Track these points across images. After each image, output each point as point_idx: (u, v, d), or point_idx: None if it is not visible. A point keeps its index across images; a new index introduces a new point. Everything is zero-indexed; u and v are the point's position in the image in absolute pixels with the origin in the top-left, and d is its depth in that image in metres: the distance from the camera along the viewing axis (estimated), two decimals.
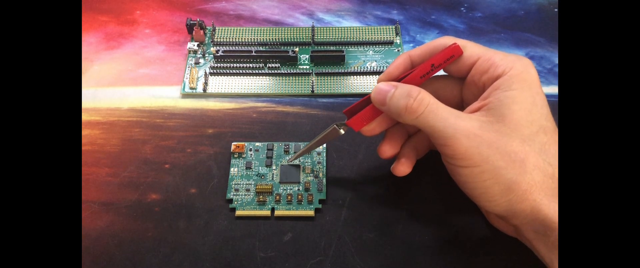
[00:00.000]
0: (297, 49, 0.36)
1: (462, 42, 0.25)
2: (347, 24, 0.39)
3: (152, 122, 0.33)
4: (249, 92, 0.34)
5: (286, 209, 0.29)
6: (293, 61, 0.36)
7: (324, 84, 0.35)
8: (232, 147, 0.31)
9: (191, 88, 0.34)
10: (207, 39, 0.37)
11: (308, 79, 0.35)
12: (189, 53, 0.36)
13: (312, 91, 0.34)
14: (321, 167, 0.30)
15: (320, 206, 0.29)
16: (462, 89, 0.27)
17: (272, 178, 0.30)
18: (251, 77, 0.35)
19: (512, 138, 0.23)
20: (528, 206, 0.22)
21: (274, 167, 0.30)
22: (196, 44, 0.36)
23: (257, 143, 0.31)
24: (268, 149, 0.31)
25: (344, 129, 0.27)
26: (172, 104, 0.34)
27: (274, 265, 0.27)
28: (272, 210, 0.29)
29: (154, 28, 0.38)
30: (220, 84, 0.35)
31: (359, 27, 0.38)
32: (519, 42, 0.38)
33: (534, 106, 0.23)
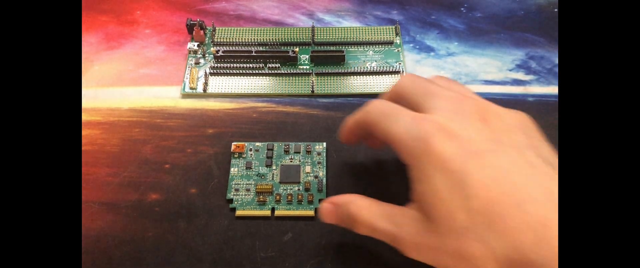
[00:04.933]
0: (297, 49, 0.36)
1: (372, 121, 0.24)
2: (347, 24, 0.39)
3: (152, 122, 0.33)
4: (249, 92, 0.34)
5: (286, 209, 0.29)
6: (293, 61, 0.36)
7: (324, 84, 0.35)
8: (232, 147, 0.31)
9: (191, 88, 0.34)
10: (207, 39, 0.37)
11: (308, 79, 0.35)
12: (189, 53, 0.36)
13: (312, 91, 0.34)
14: (321, 167, 0.30)
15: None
16: None
17: (272, 178, 0.30)
18: (251, 77, 0.35)
19: (447, 236, 0.20)
20: None
21: (274, 167, 0.30)
22: (196, 44, 0.36)
23: (257, 144, 0.31)
24: (268, 149, 0.31)
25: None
26: (172, 104, 0.34)
27: (274, 265, 0.27)
28: (272, 210, 0.29)
29: (154, 28, 0.38)
30: (221, 84, 0.35)
31: (359, 27, 0.38)
32: (518, 42, 0.38)
33: (450, 194, 0.20)
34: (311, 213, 0.28)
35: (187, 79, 0.35)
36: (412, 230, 0.22)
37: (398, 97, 0.25)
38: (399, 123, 0.22)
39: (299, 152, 0.31)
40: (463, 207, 0.20)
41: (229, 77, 0.35)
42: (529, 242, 0.19)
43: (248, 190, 0.29)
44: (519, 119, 0.23)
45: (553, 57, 0.37)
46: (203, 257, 0.27)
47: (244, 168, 0.30)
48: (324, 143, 0.31)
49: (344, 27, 0.38)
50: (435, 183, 0.21)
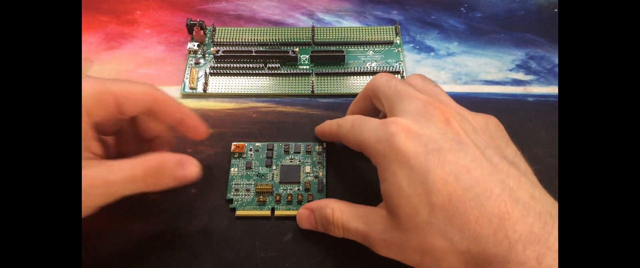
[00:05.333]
0: (297, 49, 0.36)
1: (345, 132, 0.26)
2: (347, 24, 0.39)
3: None
4: (249, 92, 0.34)
5: (286, 209, 0.29)
6: (293, 61, 0.36)
7: (324, 84, 0.35)
8: (232, 147, 0.31)
9: (191, 88, 0.34)
10: (207, 39, 0.37)
11: (308, 79, 0.35)
12: (189, 53, 0.36)
13: (312, 91, 0.34)
14: (321, 167, 0.30)
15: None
16: None
17: (272, 179, 0.30)
18: (251, 77, 0.35)
19: (411, 232, 0.21)
20: None
21: (274, 167, 0.30)
22: (196, 44, 0.36)
23: (257, 144, 0.31)
24: (268, 149, 0.31)
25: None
26: None
27: (274, 265, 0.27)
28: (272, 210, 0.29)
29: (154, 28, 0.38)
30: (221, 84, 0.35)
31: (359, 27, 0.38)
32: (518, 42, 0.38)
33: (412, 189, 0.21)
34: None
35: (187, 79, 0.35)
36: (380, 227, 0.23)
37: (372, 95, 0.27)
38: (367, 129, 0.24)
39: (299, 152, 0.31)
40: (425, 203, 0.21)
41: (229, 77, 0.35)
42: (487, 234, 0.20)
43: (248, 190, 0.29)
44: (484, 122, 0.24)
45: (553, 57, 0.37)
46: (203, 257, 0.27)
47: (244, 168, 0.30)
48: (324, 144, 0.31)
49: (344, 27, 0.38)
50: (398, 181, 0.21)
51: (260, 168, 0.30)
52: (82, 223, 0.28)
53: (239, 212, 0.28)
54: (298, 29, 0.38)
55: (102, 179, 0.22)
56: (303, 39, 0.37)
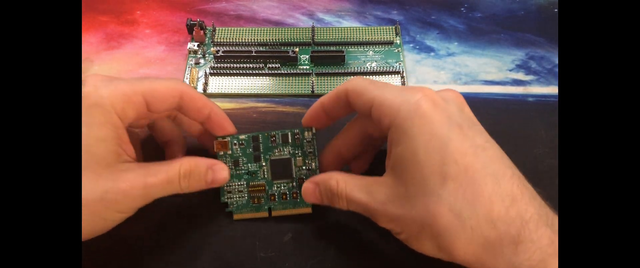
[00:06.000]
0: (297, 49, 0.36)
1: (359, 88, 0.24)
2: (347, 24, 0.39)
3: None
4: (249, 92, 0.34)
5: (283, 208, 0.28)
6: (293, 61, 0.36)
7: (324, 84, 0.35)
8: (215, 146, 0.28)
9: None
10: (207, 39, 0.37)
11: (308, 79, 0.35)
12: (189, 53, 0.36)
13: (312, 91, 0.34)
14: (313, 157, 0.28)
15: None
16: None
17: (264, 176, 0.29)
18: (251, 77, 0.35)
19: (417, 200, 0.21)
20: (461, 261, 0.21)
21: (263, 163, 0.29)
22: (196, 44, 0.36)
23: (241, 136, 0.29)
24: (254, 141, 0.29)
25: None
26: None
27: (274, 265, 0.27)
28: (269, 210, 0.29)
29: (155, 28, 0.38)
30: (221, 84, 0.35)
31: (359, 27, 0.38)
32: (519, 42, 0.38)
33: (428, 155, 0.21)
34: (309, 210, 0.28)
35: (187, 79, 0.35)
36: (383, 197, 0.22)
37: (352, 94, 0.25)
38: (391, 89, 0.23)
39: (288, 142, 0.28)
40: (437, 173, 0.21)
41: (229, 77, 0.35)
42: (499, 211, 0.20)
43: (241, 191, 0.28)
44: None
45: (553, 57, 0.37)
46: (203, 257, 0.27)
47: (232, 166, 0.28)
48: (313, 129, 0.28)
49: (344, 27, 0.38)
50: (415, 146, 0.21)
51: (249, 165, 0.28)
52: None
53: (236, 216, 0.28)
54: (298, 29, 0.38)
55: (142, 182, 0.23)
56: (303, 39, 0.37)
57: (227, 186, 0.29)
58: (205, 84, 0.35)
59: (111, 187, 0.22)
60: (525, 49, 0.37)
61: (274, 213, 0.28)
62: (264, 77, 0.35)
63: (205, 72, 0.35)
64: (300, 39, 0.37)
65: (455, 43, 0.38)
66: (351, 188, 0.24)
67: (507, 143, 0.23)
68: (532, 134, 0.33)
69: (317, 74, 0.35)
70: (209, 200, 0.29)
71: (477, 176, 0.20)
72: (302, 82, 0.35)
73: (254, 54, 0.35)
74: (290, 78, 0.35)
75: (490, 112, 0.27)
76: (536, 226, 0.20)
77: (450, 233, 0.20)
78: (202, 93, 0.26)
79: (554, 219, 0.20)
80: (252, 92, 0.34)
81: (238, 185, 0.29)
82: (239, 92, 0.34)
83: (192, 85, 0.34)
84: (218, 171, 0.26)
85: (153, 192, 0.24)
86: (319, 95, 0.34)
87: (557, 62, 0.36)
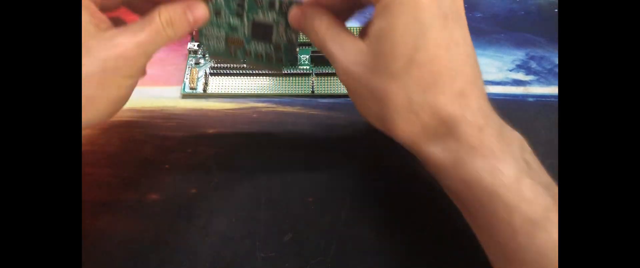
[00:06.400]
0: (297, 50, 0.36)
1: None
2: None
3: (152, 122, 0.33)
4: (249, 92, 0.34)
5: (256, 63, 0.29)
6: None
7: (324, 84, 0.35)
8: None
9: (191, 88, 0.34)
10: None
11: (308, 79, 0.35)
12: (189, 53, 0.36)
13: (312, 91, 0.35)
14: (296, 31, 0.28)
15: (290, 67, 0.29)
16: None
17: (244, 33, 0.28)
18: (251, 77, 0.35)
19: (378, 74, 0.22)
20: (399, 139, 0.23)
21: (245, 20, 0.28)
22: (196, 44, 0.36)
23: None
24: None
25: None
26: (172, 104, 0.34)
27: (274, 265, 0.27)
28: (243, 61, 0.29)
29: None
30: (221, 84, 0.35)
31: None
32: (519, 42, 0.38)
33: (404, 37, 0.21)
34: (280, 71, 0.29)
35: (187, 79, 0.35)
36: (351, 58, 0.23)
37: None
38: None
39: (274, 9, 0.27)
40: (406, 55, 0.21)
41: (229, 77, 0.35)
42: (445, 103, 0.22)
43: (219, 38, 0.28)
44: None
45: (553, 57, 0.37)
46: (203, 257, 0.27)
47: (214, 13, 0.27)
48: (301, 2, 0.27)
49: None
50: (393, 24, 0.22)
51: (230, 18, 0.28)
52: (82, 223, 0.28)
53: (212, 57, 0.28)
54: None
55: (133, 42, 0.24)
56: (303, 39, 0.37)
57: (205, 30, 0.29)
58: (205, 84, 0.35)
59: (107, 54, 0.23)
60: (525, 49, 0.37)
61: (247, 63, 0.29)
62: (264, 77, 0.35)
63: (205, 72, 0.35)
64: (300, 39, 0.37)
65: None
66: (329, 35, 0.24)
67: None
68: (532, 134, 0.32)
69: (317, 74, 0.35)
70: (209, 201, 0.29)
71: (439, 68, 0.22)
72: (302, 82, 0.35)
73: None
74: (290, 78, 0.35)
75: None
76: (474, 114, 0.22)
77: (398, 114, 0.22)
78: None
79: (503, 125, 0.23)
80: (252, 92, 0.34)
81: (217, 33, 0.29)
82: (239, 92, 0.34)
83: (192, 85, 0.35)
84: (195, 8, 0.26)
85: (148, 48, 0.24)
86: (319, 96, 0.35)
87: (557, 62, 0.36)
